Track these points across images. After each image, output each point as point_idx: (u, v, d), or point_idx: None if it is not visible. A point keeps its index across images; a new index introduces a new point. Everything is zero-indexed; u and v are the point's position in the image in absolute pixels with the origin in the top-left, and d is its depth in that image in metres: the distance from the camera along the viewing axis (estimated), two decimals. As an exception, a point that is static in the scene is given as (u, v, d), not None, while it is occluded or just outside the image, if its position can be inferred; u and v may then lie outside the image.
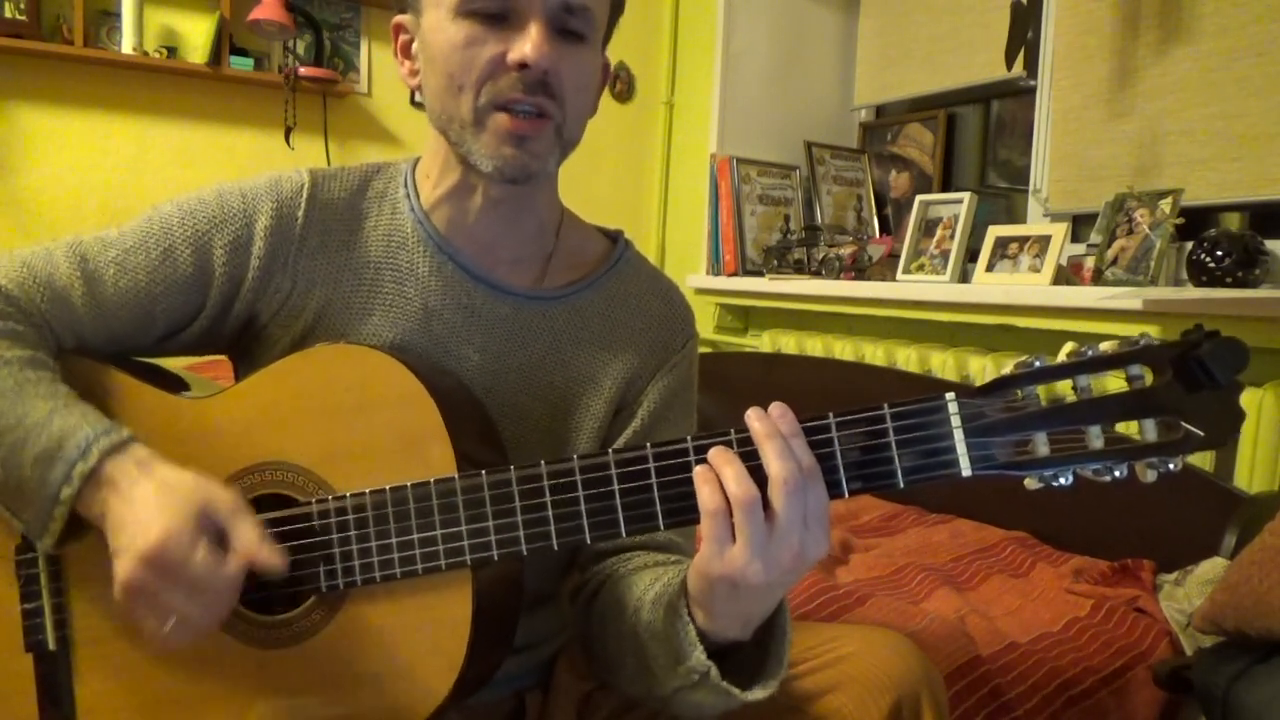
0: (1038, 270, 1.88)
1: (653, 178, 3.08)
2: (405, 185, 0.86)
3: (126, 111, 2.39)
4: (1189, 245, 1.71)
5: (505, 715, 0.88)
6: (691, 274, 2.79)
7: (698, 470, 0.63)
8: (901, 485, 0.62)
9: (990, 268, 1.99)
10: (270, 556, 0.66)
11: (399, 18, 0.83)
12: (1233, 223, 1.88)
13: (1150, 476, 0.59)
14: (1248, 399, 1.49)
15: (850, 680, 0.76)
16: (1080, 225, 2.13)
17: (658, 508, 0.65)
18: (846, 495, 0.63)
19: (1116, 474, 0.59)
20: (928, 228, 2.22)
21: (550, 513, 0.67)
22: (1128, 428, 0.59)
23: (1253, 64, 1.75)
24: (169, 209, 0.80)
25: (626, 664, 0.76)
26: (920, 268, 2.19)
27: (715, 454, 0.63)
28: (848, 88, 2.88)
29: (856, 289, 2.26)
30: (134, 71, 2.37)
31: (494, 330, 0.84)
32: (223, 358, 0.89)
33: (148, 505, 0.64)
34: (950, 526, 1.77)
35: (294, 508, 0.71)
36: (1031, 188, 2.22)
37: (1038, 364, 0.60)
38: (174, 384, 0.79)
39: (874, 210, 2.72)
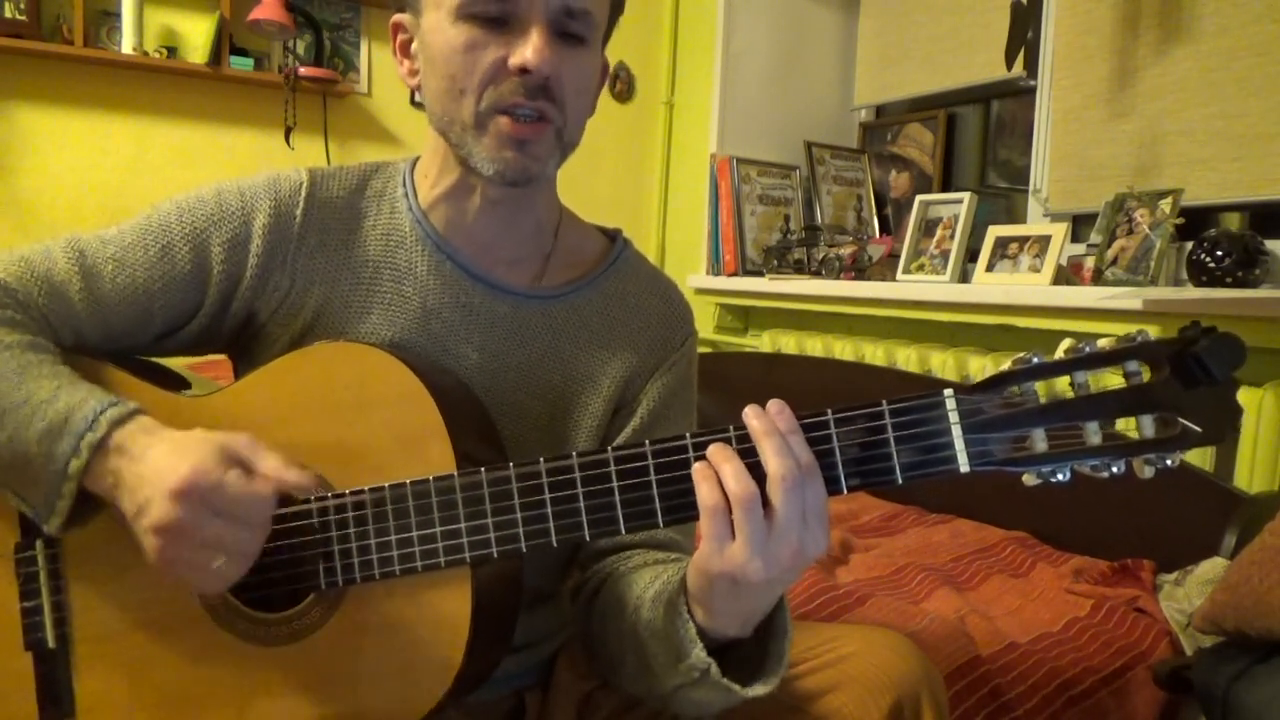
0: (1038, 270, 1.88)
1: (653, 178, 3.09)
2: (404, 184, 0.86)
3: (126, 111, 2.39)
4: (1189, 245, 1.71)
5: (505, 714, 0.88)
6: (691, 274, 2.79)
7: (696, 467, 0.63)
8: (900, 481, 0.62)
9: (990, 268, 1.99)
10: (298, 477, 0.66)
11: (398, 16, 0.82)
12: (1233, 223, 1.88)
13: (1148, 473, 0.59)
14: (1248, 399, 1.49)
15: (850, 680, 0.76)
16: (1080, 225, 2.13)
17: (657, 505, 0.65)
18: (845, 492, 0.63)
19: (1114, 470, 0.59)
20: (928, 228, 2.22)
21: (549, 510, 0.67)
22: (1126, 424, 0.59)
23: (1253, 64, 1.75)
24: (168, 207, 0.80)
25: (627, 662, 0.76)
26: (920, 268, 2.19)
27: (714, 451, 0.63)
28: (848, 88, 2.89)
29: (856, 289, 2.26)
30: (134, 71, 2.37)
31: (493, 329, 0.84)
32: (223, 357, 0.89)
33: (166, 457, 0.64)
34: (950, 526, 1.77)
35: (293, 505, 0.71)
36: (1031, 188, 2.22)
37: (1036, 360, 0.60)
38: (175, 382, 0.79)
39: (874, 210, 2.72)
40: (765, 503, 0.61)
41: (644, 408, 0.88)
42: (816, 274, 2.41)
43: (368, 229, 0.84)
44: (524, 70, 0.73)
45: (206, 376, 0.99)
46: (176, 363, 0.85)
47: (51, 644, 0.74)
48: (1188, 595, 1.33)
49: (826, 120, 2.87)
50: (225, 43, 2.37)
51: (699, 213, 2.80)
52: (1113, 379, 0.60)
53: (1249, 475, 1.50)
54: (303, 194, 0.82)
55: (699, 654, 0.66)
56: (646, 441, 0.66)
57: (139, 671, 0.73)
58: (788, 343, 2.48)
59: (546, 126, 0.76)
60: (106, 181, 2.39)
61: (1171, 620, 1.33)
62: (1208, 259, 1.64)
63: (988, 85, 2.42)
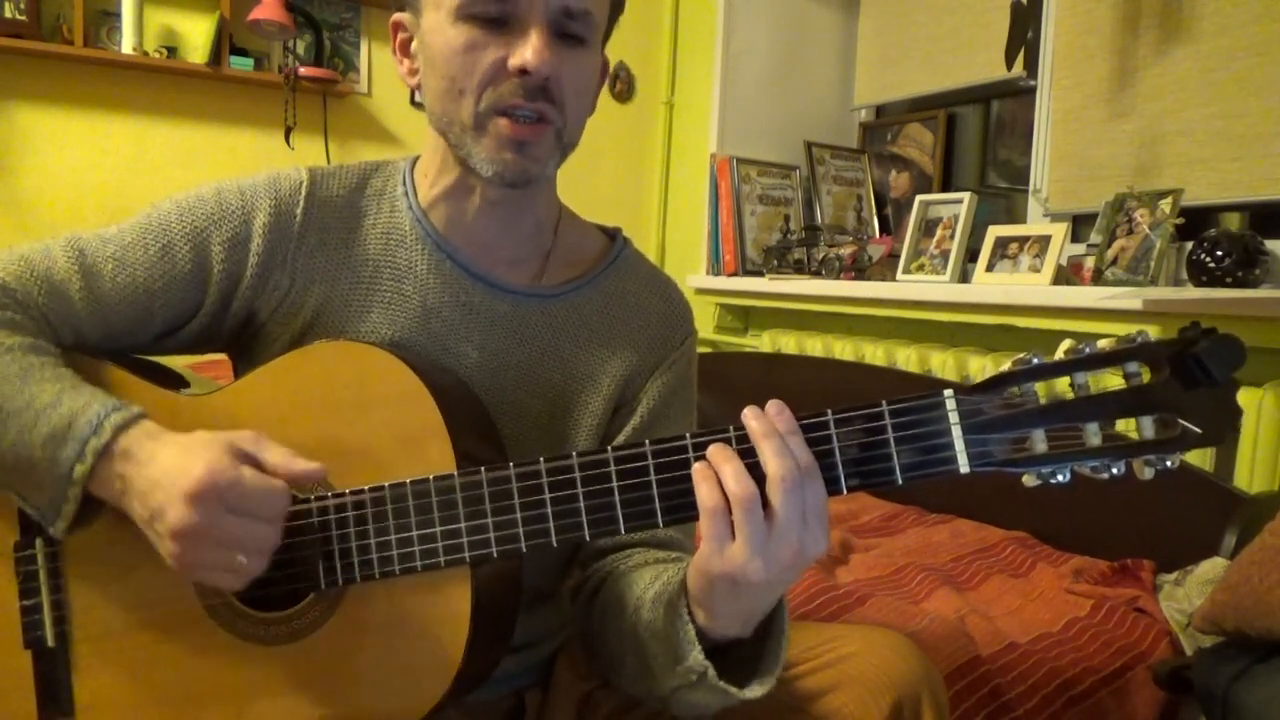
0: (1038, 270, 1.88)
1: (653, 178, 3.09)
2: (404, 183, 0.86)
3: (126, 111, 2.39)
4: (1189, 245, 1.71)
5: (505, 714, 0.88)
6: (691, 274, 2.79)
7: (696, 468, 0.63)
8: (900, 482, 0.62)
9: (990, 268, 1.99)
10: (305, 467, 0.66)
11: (398, 15, 0.82)
12: (1233, 223, 1.88)
13: (1148, 474, 0.59)
14: (1248, 399, 1.49)
15: (851, 680, 0.76)
16: (1080, 225, 2.13)
17: (657, 505, 0.65)
18: (845, 492, 0.63)
19: (1114, 471, 0.59)
20: (928, 228, 2.22)
21: (549, 510, 0.67)
22: (1125, 425, 0.59)
23: (1253, 64, 1.75)
24: (168, 206, 0.80)
25: (627, 662, 0.76)
26: (920, 268, 2.19)
27: (714, 451, 0.63)
28: (848, 88, 2.89)
29: (856, 289, 2.26)
30: (134, 71, 2.37)
31: (493, 328, 0.84)
32: (223, 356, 0.89)
33: (176, 459, 0.64)
34: (950, 526, 1.77)
35: (294, 504, 0.71)
36: (1031, 188, 2.22)
37: (1036, 361, 0.60)
38: (174, 381, 0.79)
39: (874, 210, 2.72)
40: (765, 503, 0.61)
41: (644, 406, 0.88)
42: (816, 274, 2.41)
43: (368, 228, 0.84)
44: (523, 71, 0.73)
45: (206, 376, 0.99)
46: (176, 362, 0.85)
47: (51, 642, 0.74)
48: (1188, 595, 1.33)
49: (826, 120, 2.87)
50: (225, 43, 2.37)
51: (699, 213, 2.80)
52: (1113, 380, 0.60)
53: (1249, 475, 1.50)
54: (303, 193, 0.82)
55: (697, 656, 0.66)
56: (646, 441, 0.66)
57: (138, 670, 0.73)
58: (788, 343, 2.48)
59: (546, 128, 0.76)
60: (106, 181, 2.39)
61: (1171, 620, 1.33)
62: (1208, 259, 1.64)
63: (988, 85, 2.41)
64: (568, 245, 0.90)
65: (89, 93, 2.34)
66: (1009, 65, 1.98)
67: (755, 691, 0.67)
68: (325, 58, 2.56)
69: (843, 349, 2.28)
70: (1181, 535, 1.44)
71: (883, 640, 0.80)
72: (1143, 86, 1.95)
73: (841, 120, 2.90)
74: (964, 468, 0.61)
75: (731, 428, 0.64)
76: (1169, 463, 0.58)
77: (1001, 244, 1.99)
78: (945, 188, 2.56)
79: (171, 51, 2.37)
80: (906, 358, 2.11)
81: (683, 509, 0.65)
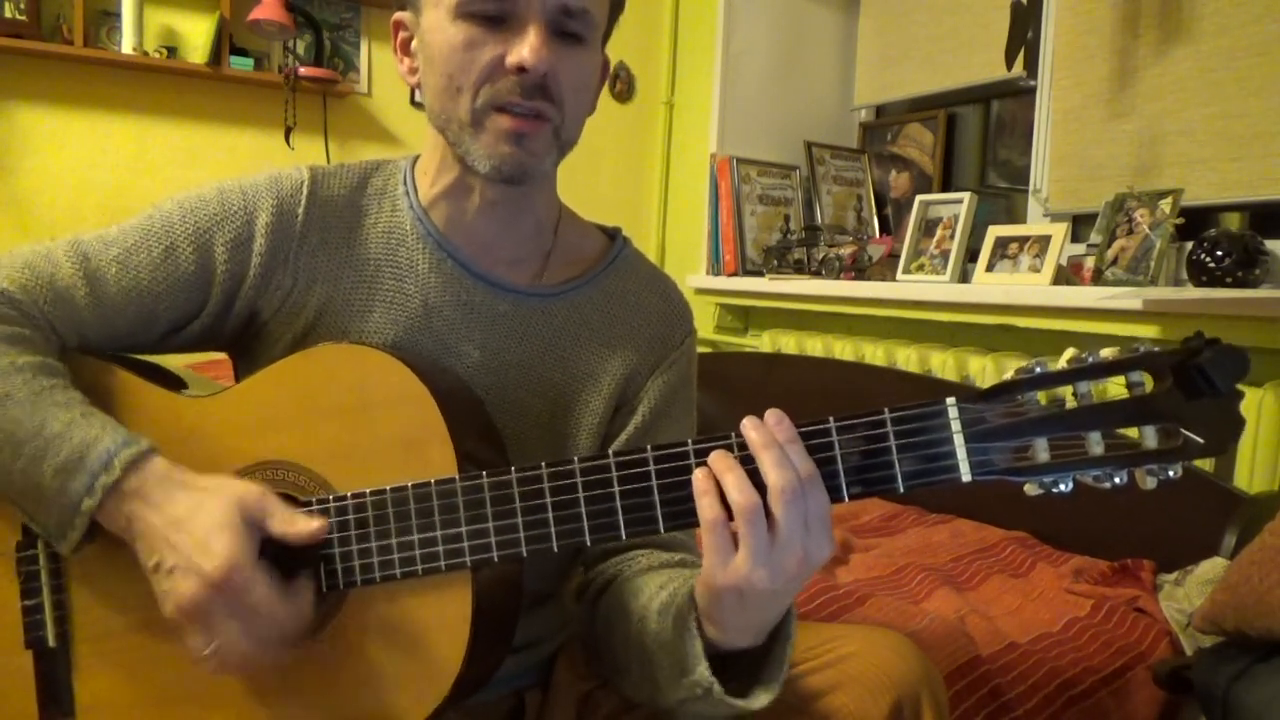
0: (1038, 270, 1.88)
1: (653, 178, 3.08)
2: (404, 182, 0.86)
3: (126, 111, 2.39)
4: (1189, 245, 1.71)
5: (505, 714, 0.89)
6: (691, 274, 2.79)
7: (697, 478, 0.63)
8: (902, 490, 0.62)
9: (990, 268, 2.00)
10: (308, 527, 0.68)
11: (398, 14, 0.83)
12: (1233, 223, 1.88)
13: (1150, 483, 0.59)
14: (1247, 399, 1.49)
15: (851, 680, 0.76)
16: (1080, 225, 2.13)
17: (658, 511, 0.65)
18: (847, 500, 0.63)
19: (1116, 480, 0.59)
20: (928, 228, 2.22)
21: (550, 515, 0.67)
22: (1128, 434, 0.59)
23: (1253, 64, 1.75)
24: (170, 207, 0.80)
25: (632, 670, 0.76)
26: (920, 268, 2.19)
27: (716, 459, 0.63)
28: (848, 88, 2.88)
29: (856, 289, 2.27)
30: (134, 71, 2.37)
31: (494, 327, 0.84)
32: (222, 356, 0.89)
33: (194, 518, 0.65)
34: (950, 527, 1.77)
35: (295, 507, 0.71)
36: (1031, 188, 2.22)
37: (1038, 369, 0.60)
38: (173, 383, 0.79)
39: (874, 210, 2.72)
40: (767, 513, 0.61)
41: (645, 406, 0.88)
42: (816, 274, 2.41)
43: (369, 227, 0.84)
44: (521, 69, 0.73)
45: (206, 376, 0.99)
46: (174, 362, 0.85)
47: (52, 643, 0.74)
48: (1188, 595, 1.33)
49: (826, 120, 2.87)
50: (225, 43, 2.37)
51: (699, 213, 2.80)
52: (1115, 389, 0.60)
53: (1249, 475, 1.50)
54: (304, 192, 0.82)
55: (703, 671, 0.66)
56: (648, 447, 0.66)
57: (139, 671, 0.73)
58: (788, 343, 2.48)
59: (544, 124, 0.77)
60: (106, 181, 2.39)
61: (1171, 620, 1.33)
62: (1208, 259, 1.64)
63: (988, 85, 2.41)
64: (568, 245, 0.90)
65: (89, 93, 2.34)
66: (1009, 65, 1.98)
67: (761, 700, 0.67)
68: (325, 58, 2.56)
69: (843, 349, 2.28)
70: (1181, 535, 1.44)
71: (883, 640, 0.80)
72: (1143, 86, 1.95)
73: (841, 120, 2.90)
74: (966, 476, 0.61)
75: (733, 434, 0.64)
76: (1171, 472, 0.58)
77: (1001, 244, 1.99)
78: (945, 188, 2.56)
79: (171, 51, 2.37)
80: (906, 358, 2.11)
81: (684, 515, 0.64)
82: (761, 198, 2.66)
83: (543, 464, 0.67)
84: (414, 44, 0.81)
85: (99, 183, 2.38)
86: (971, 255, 2.11)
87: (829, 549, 0.62)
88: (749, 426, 0.63)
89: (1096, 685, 1.19)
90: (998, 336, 2.03)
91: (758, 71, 2.80)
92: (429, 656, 0.69)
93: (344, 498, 0.70)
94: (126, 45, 2.28)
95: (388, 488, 0.69)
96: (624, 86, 3.01)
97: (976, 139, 2.59)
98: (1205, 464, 1.52)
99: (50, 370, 0.71)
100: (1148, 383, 0.59)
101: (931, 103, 2.61)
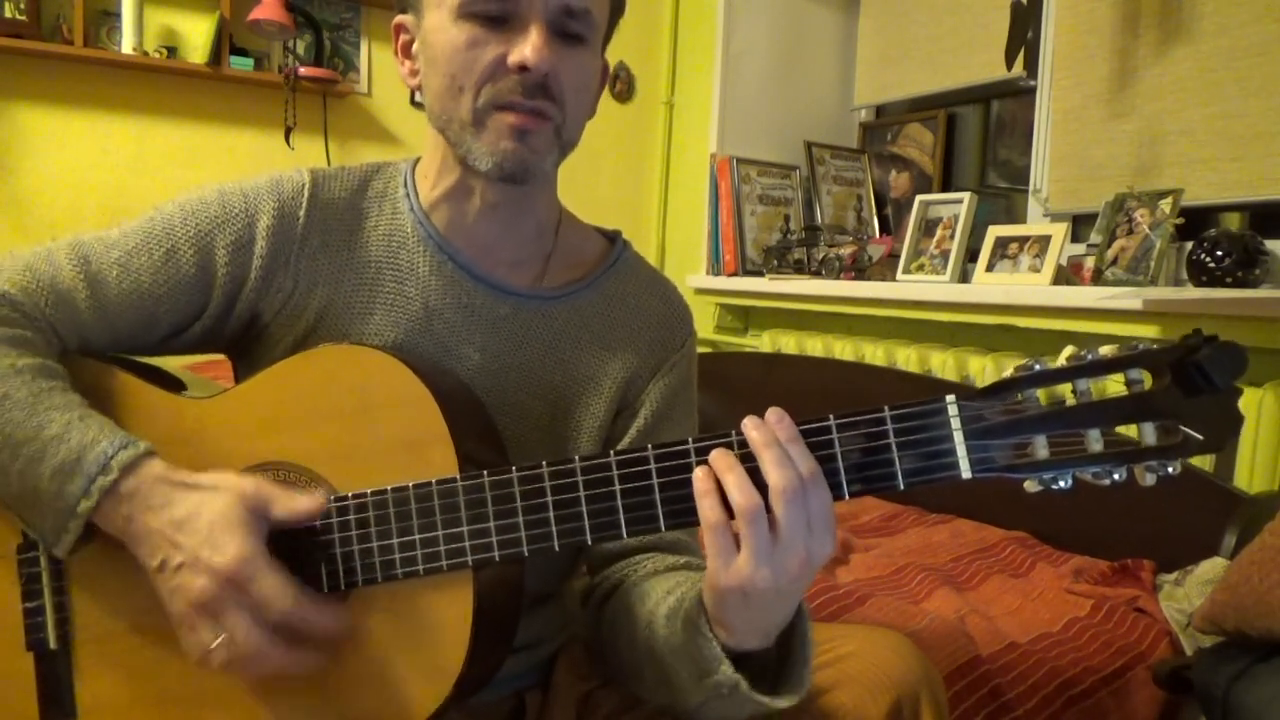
0: (1038, 270, 1.88)
1: (653, 178, 3.09)
2: (405, 185, 0.86)
3: (126, 111, 2.39)
4: (1189, 245, 1.71)
5: (505, 715, 0.89)
6: (691, 274, 2.79)
7: (697, 478, 0.63)
8: (902, 487, 0.62)
9: (990, 268, 2.00)
10: (309, 505, 0.68)
11: (400, 18, 0.83)
12: (1233, 223, 1.88)
13: (1149, 480, 0.59)
14: (1247, 399, 1.49)
15: (850, 679, 0.76)
16: (1080, 225, 2.13)
17: (659, 509, 0.65)
18: (848, 497, 0.63)
19: (1115, 477, 0.59)
20: (928, 228, 2.22)
21: (551, 513, 0.67)
22: (1127, 431, 0.59)
23: (1253, 64, 1.75)
24: (170, 209, 0.81)
25: (644, 675, 0.76)
26: (920, 268, 2.19)
27: (716, 458, 0.63)
28: (848, 88, 2.88)
29: (856, 289, 2.27)
30: (134, 71, 2.37)
31: (494, 330, 0.84)
32: (222, 357, 0.89)
33: (200, 515, 0.65)
34: (950, 526, 1.77)
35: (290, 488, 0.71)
36: (1031, 188, 2.22)
37: (1037, 367, 0.60)
38: (172, 384, 0.79)
39: (874, 210, 2.72)
40: (769, 512, 0.61)
41: (646, 409, 0.89)
42: (816, 274, 2.41)
43: (370, 229, 0.84)
44: (523, 68, 0.74)
45: (205, 376, 0.99)
46: (173, 364, 0.85)
47: (53, 645, 0.74)
48: (1188, 595, 1.34)
49: (826, 120, 2.87)
50: (225, 43, 2.37)
51: (699, 213, 2.80)
52: (1114, 386, 0.60)
53: (1249, 475, 1.50)
54: (305, 195, 0.83)
55: (726, 670, 0.66)
56: (649, 446, 0.66)
57: (140, 673, 0.73)
58: (788, 343, 2.48)
59: (546, 123, 0.77)
60: (106, 181, 2.39)
61: (1171, 620, 1.33)
62: (1208, 259, 1.64)
63: (988, 85, 2.42)
64: (568, 248, 0.90)
65: (89, 93, 2.34)
66: (1009, 65, 1.98)
67: (787, 700, 0.67)
68: (325, 58, 2.56)
69: (843, 349, 2.28)
70: (1181, 535, 1.44)
71: (882, 640, 0.80)
72: (1143, 86, 1.95)
73: (841, 120, 2.90)
74: (966, 473, 0.61)
75: (734, 432, 0.64)
76: (1170, 469, 0.58)
77: (1001, 244, 1.99)
78: (945, 188, 2.56)
79: (171, 51, 2.37)
80: (906, 358, 2.11)
81: (685, 513, 0.65)
82: (761, 198, 2.66)
83: (544, 463, 0.67)
84: (415, 46, 0.81)
85: (99, 183, 2.38)
86: (971, 255, 2.11)
87: (831, 547, 0.62)
88: (750, 426, 0.63)
89: (1096, 685, 1.19)
90: (998, 336, 2.03)
91: (758, 71, 2.80)
92: (431, 656, 0.69)
93: (345, 498, 0.70)
94: (126, 45, 2.28)
95: (389, 488, 0.69)
96: (624, 86, 3.01)
97: (976, 139, 2.59)
98: (1205, 464, 1.52)
99: (50, 372, 0.71)
100: (1146, 380, 0.59)
101: (931, 103, 2.61)
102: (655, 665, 0.74)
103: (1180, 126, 1.88)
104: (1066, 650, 1.23)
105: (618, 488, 0.66)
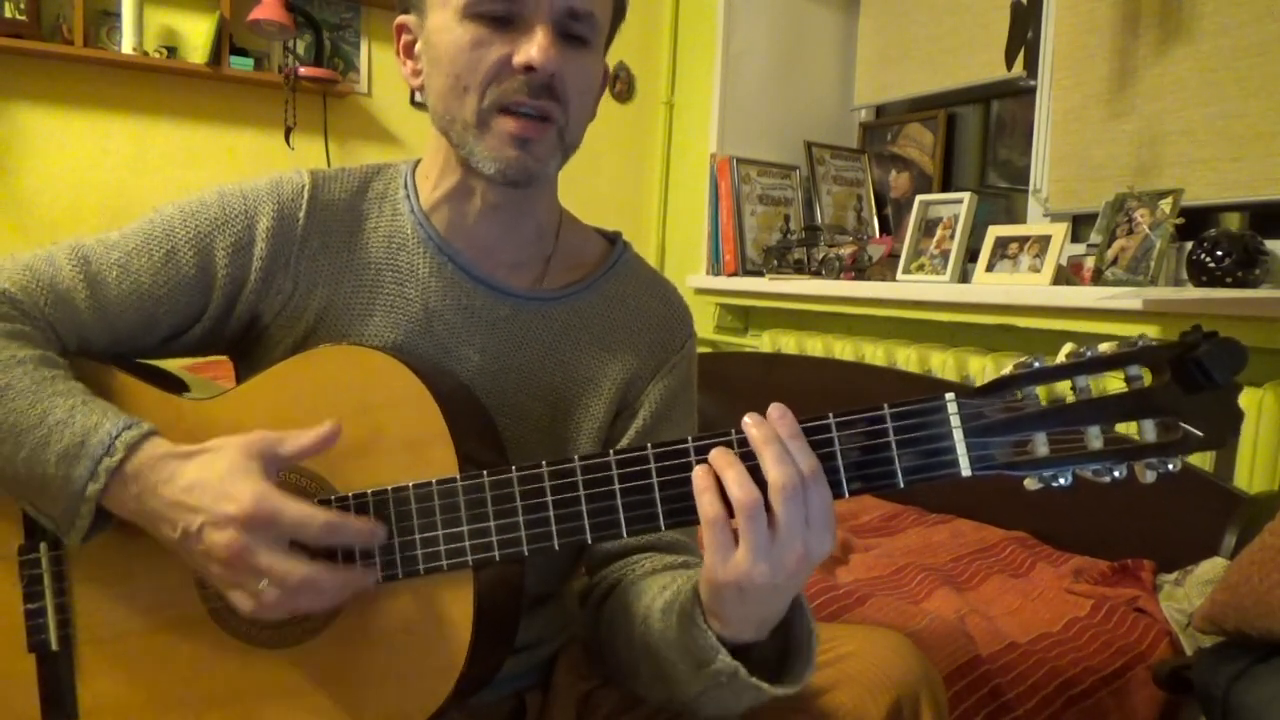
0: (1038, 270, 1.88)
1: (653, 178, 3.09)
2: (405, 186, 0.86)
3: (126, 111, 2.39)
4: (1189, 245, 1.71)
5: (506, 715, 0.89)
6: (691, 274, 2.79)
7: (697, 475, 0.63)
8: (902, 485, 0.62)
9: (990, 268, 2.00)
10: (318, 434, 0.68)
11: (402, 18, 0.83)
12: (1233, 223, 1.88)
13: (1149, 477, 0.59)
14: (1247, 399, 1.49)
15: (850, 679, 0.76)
16: (1080, 225, 2.13)
17: (659, 508, 0.65)
18: (847, 495, 0.63)
19: (1116, 474, 0.59)
20: (928, 228, 2.22)
21: (551, 513, 0.67)
22: (1127, 428, 0.59)
23: (1253, 64, 1.75)
24: (170, 211, 0.81)
25: (641, 671, 0.76)
26: (920, 268, 2.19)
27: (716, 455, 0.63)
28: (848, 88, 2.89)
29: (856, 289, 2.27)
30: (134, 71, 2.37)
31: (494, 331, 0.84)
32: (223, 358, 0.89)
33: (204, 477, 0.65)
34: (950, 526, 1.77)
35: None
36: (1031, 188, 2.22)
37: (1037, 365, 0.60)
38: (173, 385, 0.79)
39: (874, 210, 2.72)
40: (768, 508, 0.61)
41: (646, 410, 0.89)
42: (816, 274, 2.41)
43: (370, 231, 0.84)
44: (528, 68, 0.74)
45: (206, 377, 1.00)
46: (174, 364, 0.85)
47: (55, 646, 0.74)
48: (1188, 595, 1.34)
49: (826, 120, 2.87)
50: (225, 43, 2.37)
51: (699, 213, 2.80)
52: (1114, 383, 0.60)
53: (1249, 475, 1.50)
54: (305, 196, 0.83)
55: (724, 659, 0.66)
56: (648, 445, 0.66)
57: (142, 674, 0.73)
58: (788, 343, 2.48)
59: (549, 126, 0.77)
60: (106, 181, 2.39)
61: (1171, 620, 1.33)
62: (1208, 259, 1.64)
63: (988, 85, 2.42)
64: (568, 249, 0.90)
65: (89, 93, 2.34)
66: (1009, 65, 1.98)
67: (787, 689, 0.67)
68: (325, 58, 2.56)
69: (843, 349, 2.28)
70: (1181, 535, 1.44)
71: (882, 640, 0.80)
72: (1143, 86, 1.96)
73: (841, 120, 2.90)
74: (965, 471, 0.61)
75: (733, 431, 0.64)
76: (1170, 466, 0.58)
77: (1001, 244, 1.99)
78: (945, 188, 2.56)
79: (171, 51, 2.37)
80: (906, 358, 2.11)
81: (685, 512, 0.65)
82: (761, 198, 2.66)
83: (543, 463, 0.67)
84: (418, 46, 0.81)
85: (99, 183, 2.38)
86: (971, 255, 2.11)
87: (830, 545, 0.62)
88: (750, 423, 0.63)
89: (1096, 685, 1.19)
90: (998, 336, 2.03)
91: (758, 71, 2.81)
92: (431, 655, 0.69)
93: (346, 498, 0.70)
94: (126, 45, 2.28)
95: (389, 487, 0.69)
96: (624, 86, 3.01)
97: (976, 139, 2.59)
98: (1205, 464, 1.52)
99: (51, 362, 0.71)
100: (1146, 377, 0.59)
101: (931, 103, 2.61)
102: (652, 660, 0.74)
103: (1180, 126, 1.88)
104: (1066, 650, 1.23)
105: (618, 487, 0.66)
